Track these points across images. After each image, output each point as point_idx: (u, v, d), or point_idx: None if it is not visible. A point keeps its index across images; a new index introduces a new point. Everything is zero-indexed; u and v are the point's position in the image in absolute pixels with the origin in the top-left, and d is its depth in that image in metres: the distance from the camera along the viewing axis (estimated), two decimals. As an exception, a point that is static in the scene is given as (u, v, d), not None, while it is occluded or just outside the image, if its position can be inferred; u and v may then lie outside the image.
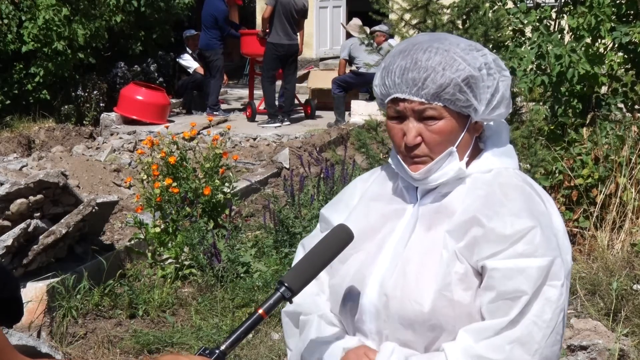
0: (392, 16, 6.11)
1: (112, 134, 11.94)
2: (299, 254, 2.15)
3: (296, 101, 13.41)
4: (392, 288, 1.90)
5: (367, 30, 7.30)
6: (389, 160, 2.04)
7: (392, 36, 11.86)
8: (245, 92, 14.75)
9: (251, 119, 12.80)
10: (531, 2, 8.01)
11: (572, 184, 6.32)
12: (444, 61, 1.88)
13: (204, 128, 11.14)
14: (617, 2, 7.28)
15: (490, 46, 5.97)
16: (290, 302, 1.91)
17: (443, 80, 1.87)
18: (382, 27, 11.86)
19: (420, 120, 1.90)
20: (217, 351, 1.80)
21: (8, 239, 4.98)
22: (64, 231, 5.23)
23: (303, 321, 2.07)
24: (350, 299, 1.98)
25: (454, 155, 1.92)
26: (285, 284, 1.88)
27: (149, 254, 6.03)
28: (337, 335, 2.01)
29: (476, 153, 1.98)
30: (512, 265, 1.82)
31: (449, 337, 1.86)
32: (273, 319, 5.31)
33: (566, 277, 1.88)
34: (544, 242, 1.84)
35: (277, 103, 12.56)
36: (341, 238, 1.94)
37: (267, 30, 12.16)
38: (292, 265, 2.02)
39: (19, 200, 5.18)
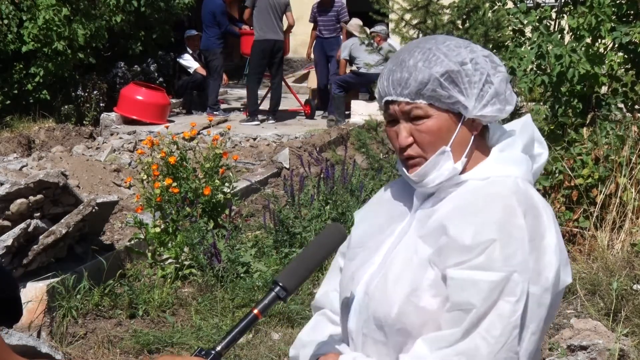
0: (393, 16, 6.12)
1: (112, 134, 11.94)
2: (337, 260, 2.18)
3: (296, 102, 13.42)
4: (373, 289, 1.92)
5: (367, 30, 7.30)
6: (397, 167, 2.05)
7: (388, 36, 11.88)
8: (245, 92, 14.74)
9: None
10: (531, 2, 8.00)
11: (572, 184, 6.32)
12: (424, 58, 1.89)
13: (204, 128, 11.14)
14: (617, 2, 7.28)
15: (490, 46, 5.98)
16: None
17: (422, 77, 1.87)
18: (377, 28, 11.85)
19: (410, 121, 1.91)
20: (212, 352, 1.81)
21: (8, 239, 4.98)
22: (64, 231, 5.23)
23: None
24: (346, 296, 2.02)
25: (448, 155, 1.90)
26: (280, 284, 1.89)
27: (149, 254, 6.03)
28: (327, 335, 2.05)
29: (481, 158, 1.95)
30: (467, 277, 1.80)
31: None
32: (273, 319, 5.32)
33: (540, 294, 1.81)
34: (502, 257, 1.79)
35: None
36: (334, 236, 1.97)
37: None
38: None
39: (19, 200, 5.18)
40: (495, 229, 1.80)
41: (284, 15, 12.43)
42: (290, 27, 12.73)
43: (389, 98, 1.92)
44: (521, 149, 1.96)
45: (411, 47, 1.94)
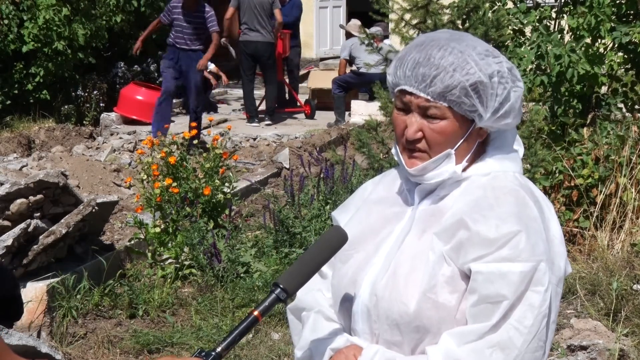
0: (392, 16, 6.11)
1: (112, 134, 11.93)
2: None
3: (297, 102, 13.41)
4: (382, 289, 1.92)
5: (367, 30, 7.29)
6: (392, 151, 2.04)
7: (386, 37, 11.87)
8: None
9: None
10: (531, 2, 8.00)
11: (573, 184, 6.33)
12: (456, 62, 1.87)
13: (204, 128, 11.13)
14: (617, 2, 7.28)
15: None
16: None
17: (451, 82, 1.86)
18: (372, 30, 11.83)
19: (424, 117, 1.91)
20: (213, 353, 1.81)
21: (8, 239, 4.98)
22: (64, 231, 5.23)
23: (303, 317, 2.11)
24: (346, 298, 2.01)
25: (451, 158, 1.91)
26: (281, 286, 1.89)
27: (149, 254, 6.03)
28: (331, 332, 2.03)
29: (478, 155, 1.97)
30: (494, 269, 1.82)
31: (434, 339, 1.87)
32: (273, 319, 5.31)
33: (556, 284, 1.87)
34: (528, 247, 1.82)
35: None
36: (335, 239, 1.97)
37: (226, 35, 11.88)
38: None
39: (19, 200, 5.18)
40: (515, 221, 1.84)
41: (273, 13, 12.14)
42: (279, 24, 12.26)
43: (409, 89, 1.90)
44: (513, 146, 2.00)
45: (440, 42, 1.91)
